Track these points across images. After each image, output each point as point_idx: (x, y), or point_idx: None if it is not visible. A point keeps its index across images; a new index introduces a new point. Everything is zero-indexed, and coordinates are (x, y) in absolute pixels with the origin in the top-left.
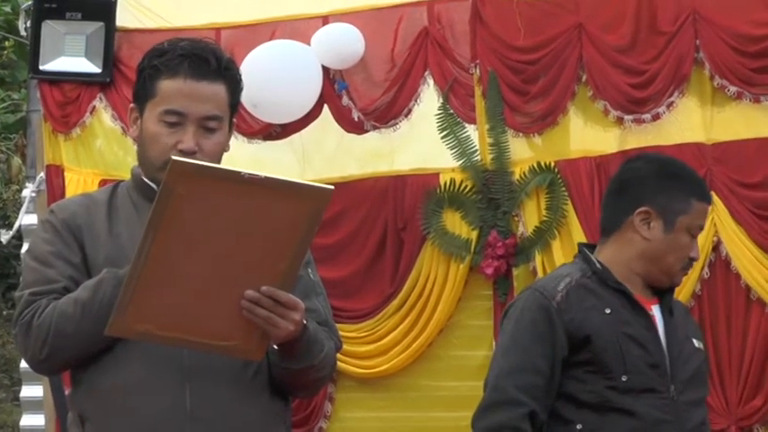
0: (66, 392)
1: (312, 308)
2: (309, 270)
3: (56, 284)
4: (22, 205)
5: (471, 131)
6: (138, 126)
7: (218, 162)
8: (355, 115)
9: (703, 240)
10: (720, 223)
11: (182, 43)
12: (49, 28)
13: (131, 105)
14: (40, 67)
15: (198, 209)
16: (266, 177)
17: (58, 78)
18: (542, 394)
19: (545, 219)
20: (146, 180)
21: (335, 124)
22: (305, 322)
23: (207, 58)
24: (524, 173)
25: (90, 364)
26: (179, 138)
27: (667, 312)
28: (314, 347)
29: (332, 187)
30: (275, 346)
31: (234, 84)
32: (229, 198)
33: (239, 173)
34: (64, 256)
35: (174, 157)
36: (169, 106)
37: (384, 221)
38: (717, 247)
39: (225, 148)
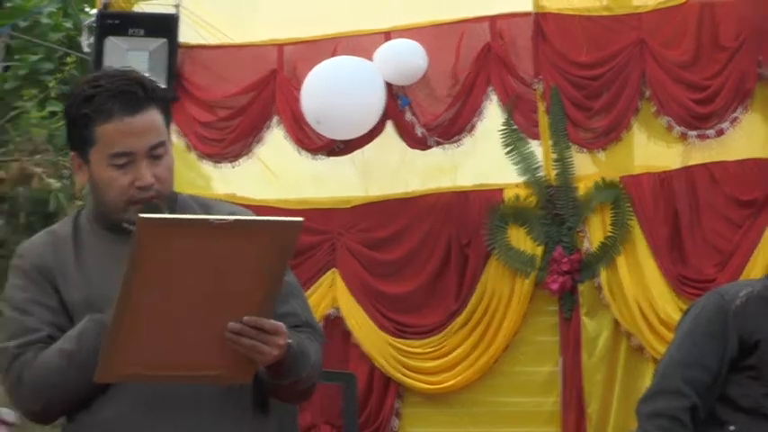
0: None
1: (291, 311)
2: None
3: (39, 333)
4: None
5: (535, 147)
6: (84, 172)
7: (172, 183)
8: (419, 131)
9: None
10: None
11: (102, 81)
12: (112, 44)
13: (72, 153)
14: None
15: (172, 257)
16: (234, 221)
17: None
18: (706, 391)
19: (610, 234)
20: (105, 215)
21: (398, 140)
22: (289, 341)
23: (133, 91)
24: (589, 188)
25: (81, 405)
26: (133, 175)
27: None
28: (301, 361)
29: (301, 219)
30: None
31: (164, 104)
32: (201, 243)
33: (207, 221)
34: (41, 302)
35: (140, 216)
36: (115, 150)
37: (448, 237)
38: None
39: (173, 167)
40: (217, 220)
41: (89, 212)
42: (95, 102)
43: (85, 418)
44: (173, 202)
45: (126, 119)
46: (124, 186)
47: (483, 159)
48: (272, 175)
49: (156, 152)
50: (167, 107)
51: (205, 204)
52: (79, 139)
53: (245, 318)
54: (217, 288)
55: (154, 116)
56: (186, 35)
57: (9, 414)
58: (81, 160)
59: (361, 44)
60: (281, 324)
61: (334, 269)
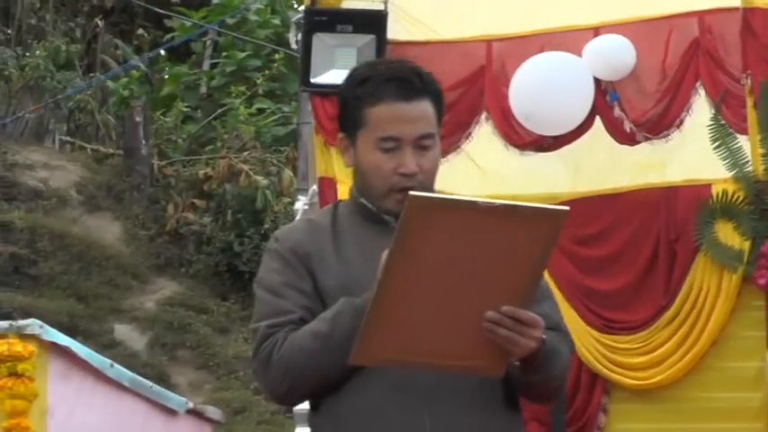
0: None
1: (543, 313)
2: None
3: (291, 315)
4: (293, 218)
5: (743, 142)
6: (350, 155)
7: (435, 176)
8: (627, 126)
9: None
10: None
11: (380, 67)
12: (320, 41)
13: (340, 135)
14: (311, 80)
15: (436, 238)
16: (501, 204)
17: (330, 91)
18: None
19: None
20: (367, 204)
21: (606, 136)
22: (544, 337)
23: (409, 78)
24: None
25: (329, 392)
26: (398, 162)
27: None
28: (552, 359)
29: (567, 208)
30: (516, 362)
31: (438, 98)
32: (466, 226)
33: (476, 203)
34: (296, 286)
35: (411, 193)
36: (384, 133)
37: (656, 233)
38: None
39: (439, 161)
40: (484, 202)
41: (350, 202)
42: (370, 84)
43: (334, 408)
44: None
45: (398, 104)
46: (388, 172)
47: (691, 155)
48: (481, 171)
49: (424, 143)
50: (441, 103)
51: None
52: (349, 120)
53: (504, 307)
54: (476, 275)
55: (426, 107)
56: (394, 31)
57: (215, 413)
58: (348, 142)
59: (569, 40)
60: (538, 317)
61: None
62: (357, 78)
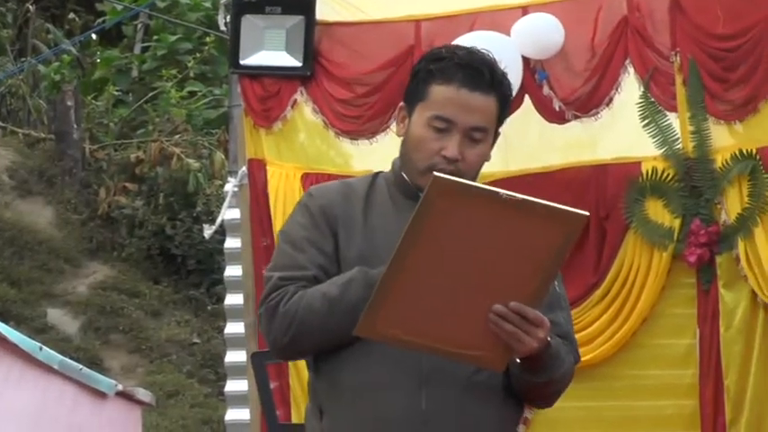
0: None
1: (555, 321)
2: (556, 283)
3: (306, 272)
4: (224, 200)
5: (672, 119)
6: (404, 125)
7: (478, 172)
8: (556, 105)
9: None
10: None
11: (459, 52)
12: (249, 22)
13: (401, 104)
14: (241, 62)
15: (455, 224)
16: (523, 199)
17: (259, 73)
18: None
19: (747, 206)
20: (406, 178)
21: (536, 115)
22: (549, 339)
23: (482, 70)
24: (726, 160)
25: (331, 357)
26: (444, 144)
27: None
28: (554, 363)
29: (587, 213)
30: (517, 360)
31: (504, 99)
32: (486, 216)
33: (498, 193)
34: (317, 244)
35: (436, 173)
36: (439, 112)
37: (586, 211)
38: None
39: (486, 158)
40: (506, 194)
41: (390, 174)
42: (444, 63)
43: (334, 375)
44: None
45: (462, 90)
46: (432, 150)
47: (621, 133)
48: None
49: (475, 135)
50: (506, 104)
51: None
52: (414, 91)
53: (512, 303)
54: (489, 266)
55: (488, 102)
56: (323, 12)
57: (146, 395)
58: (405, 113)
59: (498, 19)
60: (545, 318)
61: None
62: (434, 55)
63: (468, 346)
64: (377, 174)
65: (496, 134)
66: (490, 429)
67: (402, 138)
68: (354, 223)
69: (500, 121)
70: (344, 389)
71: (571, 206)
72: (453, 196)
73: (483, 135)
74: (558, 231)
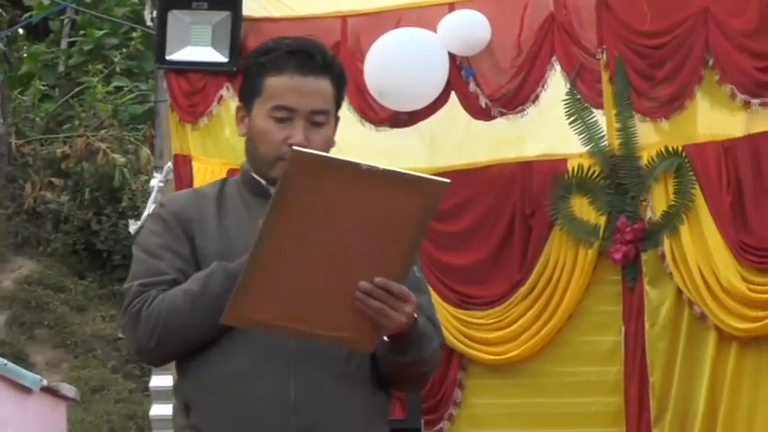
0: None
1: (418, 304)
2: (415, 268)
3: (165, 276)
4: (150, 195)
5: (599, 116)
6: (245, 124)
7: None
8: (483, 102)
9: None
10: None
11: (286, 41)
12: (175, 18)
13: (238, 105)
14: (167, 57)
15: (316, 199)
16: (384, 170)
17: (185, 68)
18: None
19: (673, 203)
20: (255, 176)
21: (463, 111)
22: (416, 315)
23: (313, 54)
24: (652, 157)
25: (196, 355)
26: (288, 133)
27: None
28: (423, 341)
29: (448, 181)
30: (386, 338)
31: (339, 79)
32: (347, 189)
33: (358, 164)
34: (173, 249)
35: (294, 147)
36: (278, 102)
37: (512, 208)
38: None
39: (331, 143)
40: (367, 165)
41: (239, 176)
42: (272, 54)
43: (200, 372)
44: None
45: (296, 76)
46: (277, 141)
47: (548, 130)
48: (336, 147)
49: (317, 118)
50: (341, 84)
51: None
52: (248, 88)
53: (376, 279)
54: (354, 243)
55: (324, 85)
56: (250, 8)
57: (70, 390)
58: (244, 112)
59: (424, 15)
60: (411, 293)
61: None
62: (261, 49)
63: (336, 328)
64: (226, 179)
65: (337, 118)
66: (360, 419)
67: (245, 137)
68: (208, 225)
69: (338, 103)
70: (211, 382)
71: (496, 204)
72: (313, 169)
73: (325, 118)
74: (419, 201)
